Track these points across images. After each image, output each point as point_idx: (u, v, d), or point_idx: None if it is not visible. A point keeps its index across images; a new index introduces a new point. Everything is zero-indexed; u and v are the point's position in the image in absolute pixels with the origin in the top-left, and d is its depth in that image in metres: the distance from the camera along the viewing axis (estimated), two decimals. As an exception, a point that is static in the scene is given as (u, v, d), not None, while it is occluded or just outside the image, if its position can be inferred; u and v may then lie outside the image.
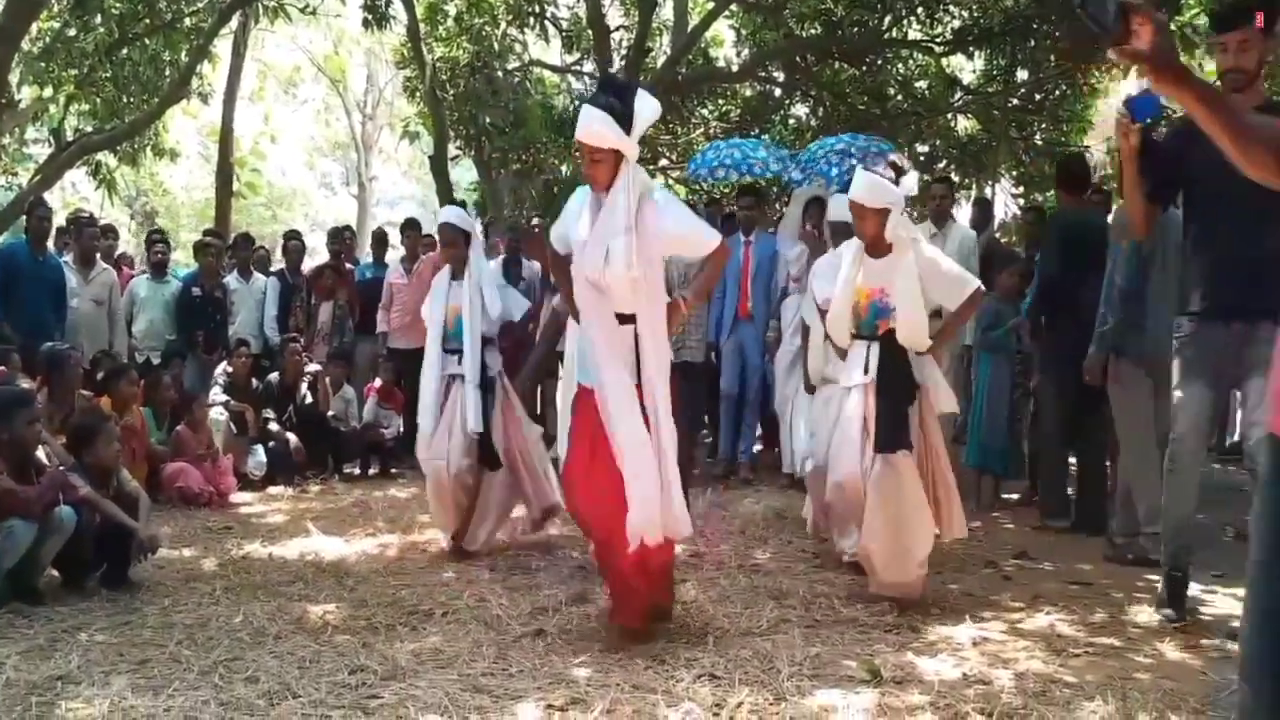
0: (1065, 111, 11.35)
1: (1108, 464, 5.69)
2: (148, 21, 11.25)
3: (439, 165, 10.28)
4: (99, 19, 10.69)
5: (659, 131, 11.93)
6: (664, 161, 12.95)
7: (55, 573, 4.10)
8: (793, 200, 7.18)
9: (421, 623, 3.67)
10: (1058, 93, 11.24)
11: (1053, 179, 7.38)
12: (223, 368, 7.19)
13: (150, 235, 8.79)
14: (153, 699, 2.83)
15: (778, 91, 12.71)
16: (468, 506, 4.79)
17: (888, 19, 10.80)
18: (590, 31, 10.57)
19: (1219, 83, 3.55)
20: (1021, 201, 12.06)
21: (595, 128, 3.30)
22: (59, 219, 8.87)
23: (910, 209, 6.03)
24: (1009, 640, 3.52)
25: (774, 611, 3.76)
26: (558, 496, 4.78)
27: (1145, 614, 3.84)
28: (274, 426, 7.07)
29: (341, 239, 8.84)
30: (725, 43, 12.98)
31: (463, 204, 5.51)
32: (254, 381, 7.21)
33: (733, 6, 10.86)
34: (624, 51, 10.65)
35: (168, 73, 12.02)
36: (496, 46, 11.81)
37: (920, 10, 10.53)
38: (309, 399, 7.31)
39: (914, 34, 11.09)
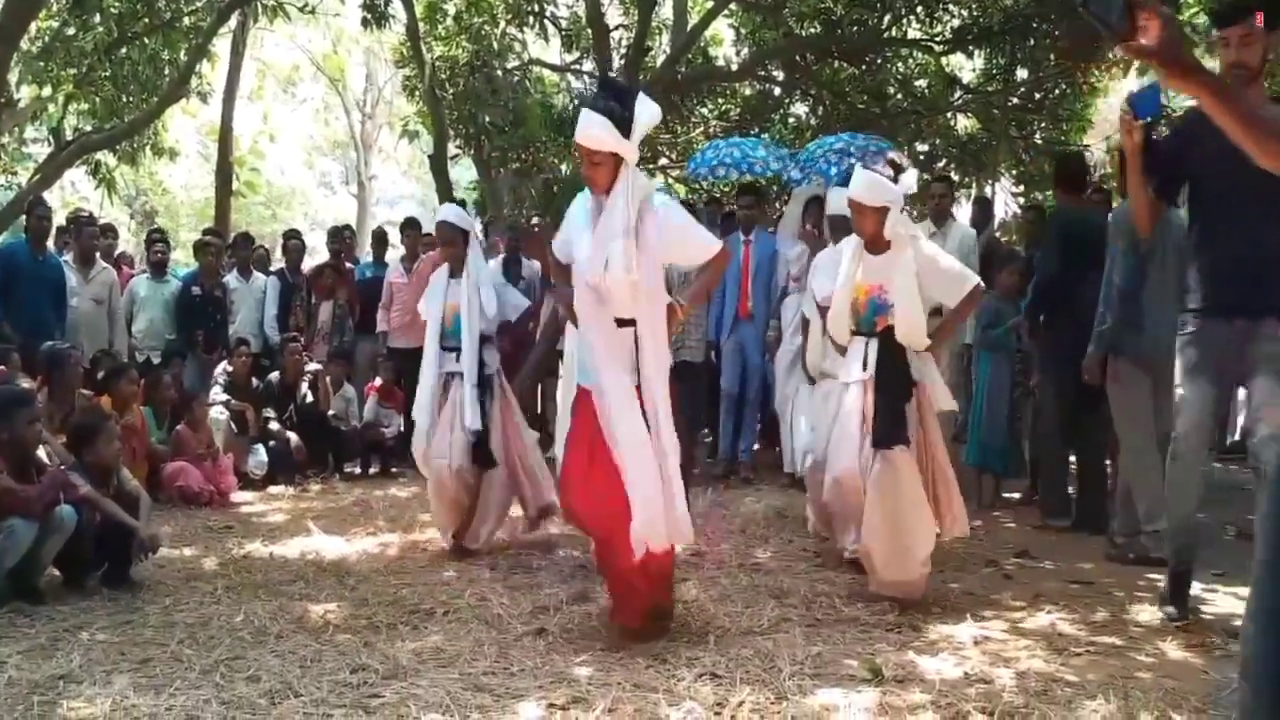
0: (1065, 110, 11.36)
1: (1108, 463, 5.70)
2: (147, 21, 11.25)
3: (438, 164, 10.28)
4: (98, 18, 10.69)
5: (659, 130, 11.91)
6: (664, 160, 12.96)
7: (56, 572, 4.10)
8: (792, 199, 7.18)
9: (423, 622, 3.67)
10: (1057, 91, 11.24)
11: (1052, 178, 7.37)
12: (223, 367, 7.19)
13: (150, 234, 8.79)
14: (154, 698, 2.82)
15: (777, 90, 12.71)
16: (469, 505, 4.80)
17: (887, 18, 10.80)
18: (590, 30, 10.57)
19: (1223, 79, 3.55)
20: (1022, 200, 12.06)
21: (594, 131, 3.30)
22: (59, 218, 8.87)
23: (910, 208, 6.04)
24: (1010, 639, 3.52)
25: (775, 610, 3.76)
26: (554, 496, 4.79)
27: (1147, 613, 3.84)
28: (274, 426, 7.07)
29: (341, 238, 8.84)
30: (725, 42, 12.98)
31: (462, 203, 5.51)
32: (254, 381, 7.21)
33: (732, 5, 10.86)
34: (623, 50, 10.65)
35: (167, 72, 12.01)
36: (496, 45, 11.80)
37: (920, 9, 10.54)
38: (309, 398, 7.32)
39: (914, 33, 11.09)
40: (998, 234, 9.56)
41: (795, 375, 5.97)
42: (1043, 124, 11.69)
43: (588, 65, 12.24)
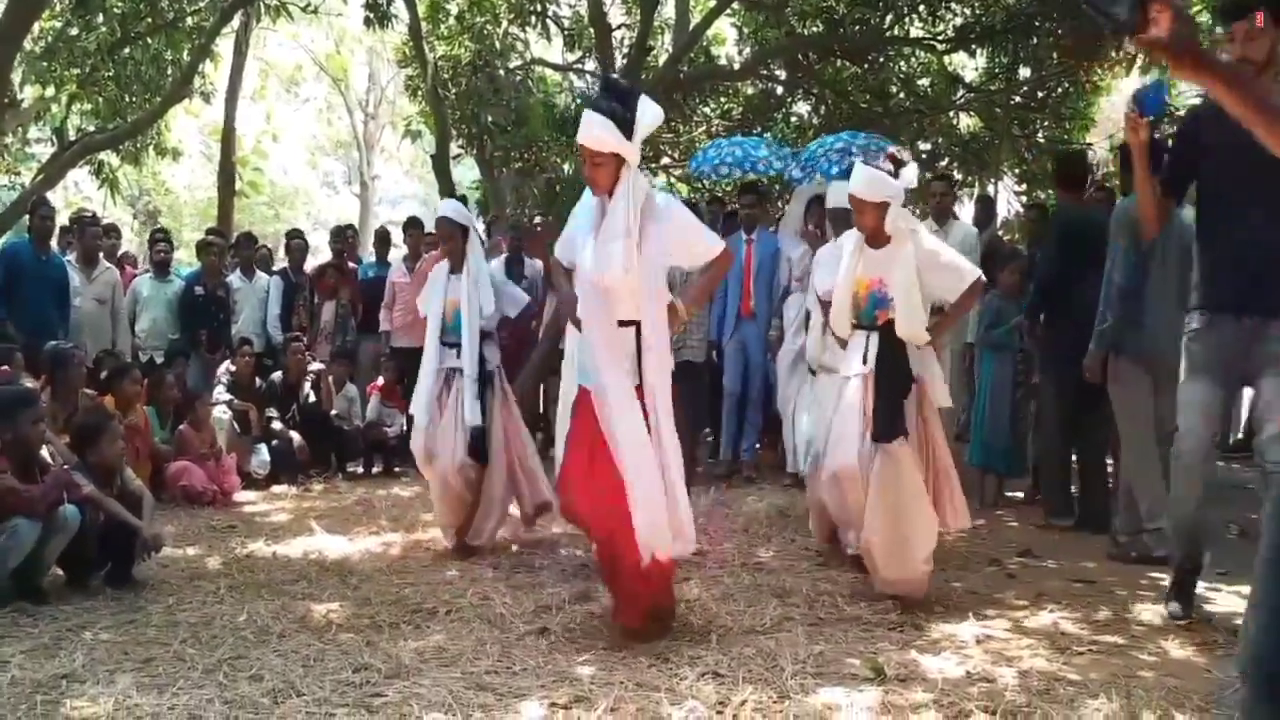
0: (1068, 109, 11.33)
1: (1109, 462, 5.69)
2: (150, 20, 11.27)
3: (441, 164, 10.29)
4: (101, 18, 10.71)
5: (661, 129, 11.84)
6: (666, 159, 12.96)
7: (59, 571, 4.10)
8: (794, 198, 7.18)
9: (425, 621, 3.67)
10: (1060, 90, 11.21)
11: (1052, 177, 7.36)
12: (226, 367, 7.20)
13: (153, 234, 8.80)
14: (157, 697, 2.83)
15: (779, 89, 12.70)
16: (471, 502, 4.80)
17: (889, 17, 10.78)
18: (592, 30, 10.57)
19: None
20: (1024, 199, 12.05)
21: (596, 133, 3.31)
22: (62, 218, 8.87)
23: (912, 207, 6.03)
24: (1013, 638, 3.51)
25: (777, 609, 3.76)
26: (550, 494, 4.79)
27: (1149, 612, 3.83)
28: (277, 425, 7.08)
29: (344, 238, 8.84)
30: (727, 41, 12.97)
31: (462, 198, 5.51)
32: (257, 380, 7.22)
33: (734, 5, 10.85)
34: (626, 50, 10.65)
35: (170, 72, 12.04)
36: (498, 45, 11.81)
37: (922, 8, 10.52)
38: (312, 398, 7.32)
39: (916, 32, 11.08)
40: (1000, 233, 9.54)
41: (797, 374, 5.97)
42: (1045, 123, 11.67)
43: (590, 65, 12.25)
